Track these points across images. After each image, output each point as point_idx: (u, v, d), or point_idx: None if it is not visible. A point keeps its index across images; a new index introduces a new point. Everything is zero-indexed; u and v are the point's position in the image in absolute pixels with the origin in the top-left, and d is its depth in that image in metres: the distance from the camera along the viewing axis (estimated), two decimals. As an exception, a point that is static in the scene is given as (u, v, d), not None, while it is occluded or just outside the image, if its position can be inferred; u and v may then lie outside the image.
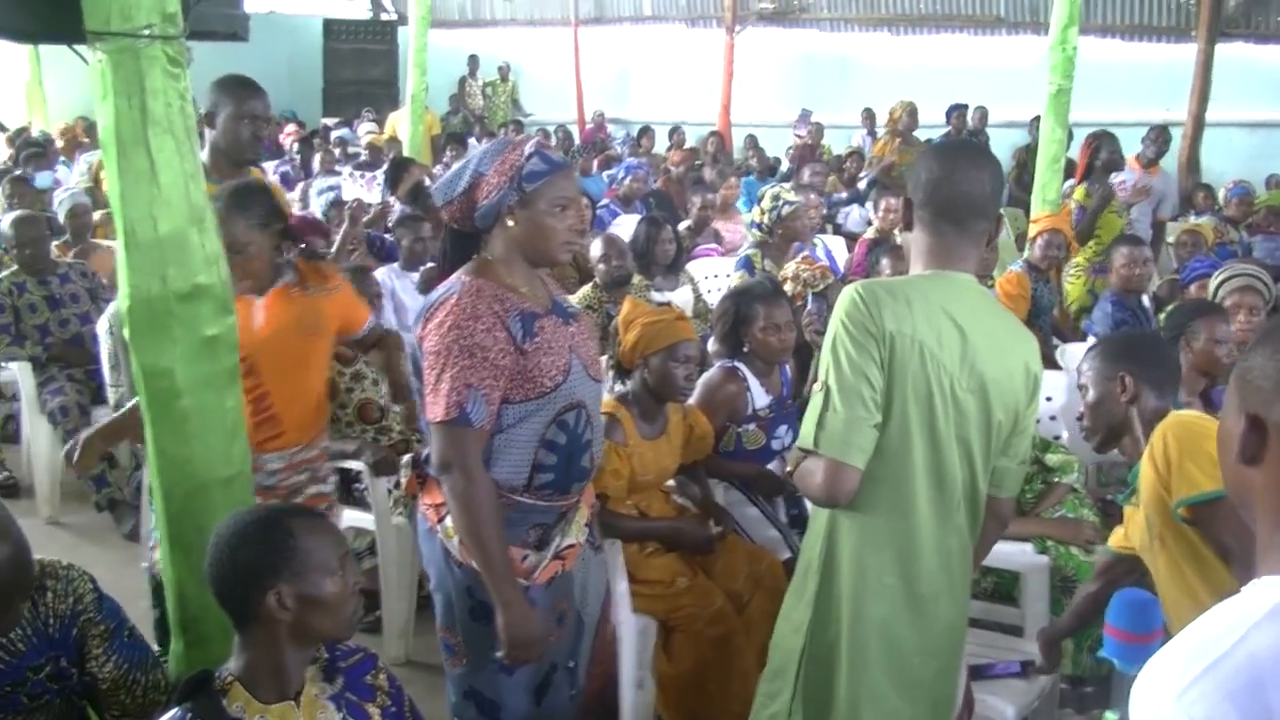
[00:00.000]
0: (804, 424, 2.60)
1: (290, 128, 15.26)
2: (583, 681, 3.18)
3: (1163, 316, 5.61)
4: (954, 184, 2.62)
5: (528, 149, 2.89)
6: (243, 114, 4.26)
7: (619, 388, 4.13)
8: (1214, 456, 2.44)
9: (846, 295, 2.58)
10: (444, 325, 2.79)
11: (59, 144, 13.56)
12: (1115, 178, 8.77)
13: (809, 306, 5.14)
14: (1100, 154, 8.22)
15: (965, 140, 2.79)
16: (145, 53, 2.59)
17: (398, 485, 4.71)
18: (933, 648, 2.69)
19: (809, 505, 2.91)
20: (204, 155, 4.13)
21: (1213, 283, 5.51)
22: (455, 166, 2.98)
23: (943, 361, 2.54)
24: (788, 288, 5.13)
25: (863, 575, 2.63)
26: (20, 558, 2.40)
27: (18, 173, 10.13)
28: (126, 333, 2.66)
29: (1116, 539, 3.31)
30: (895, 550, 2.61)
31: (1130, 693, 1.81)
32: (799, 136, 13.57)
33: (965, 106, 13.06)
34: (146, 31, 2.58)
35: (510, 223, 2.89)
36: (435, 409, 2.78)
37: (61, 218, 7.83)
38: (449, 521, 2.91)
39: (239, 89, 4.29)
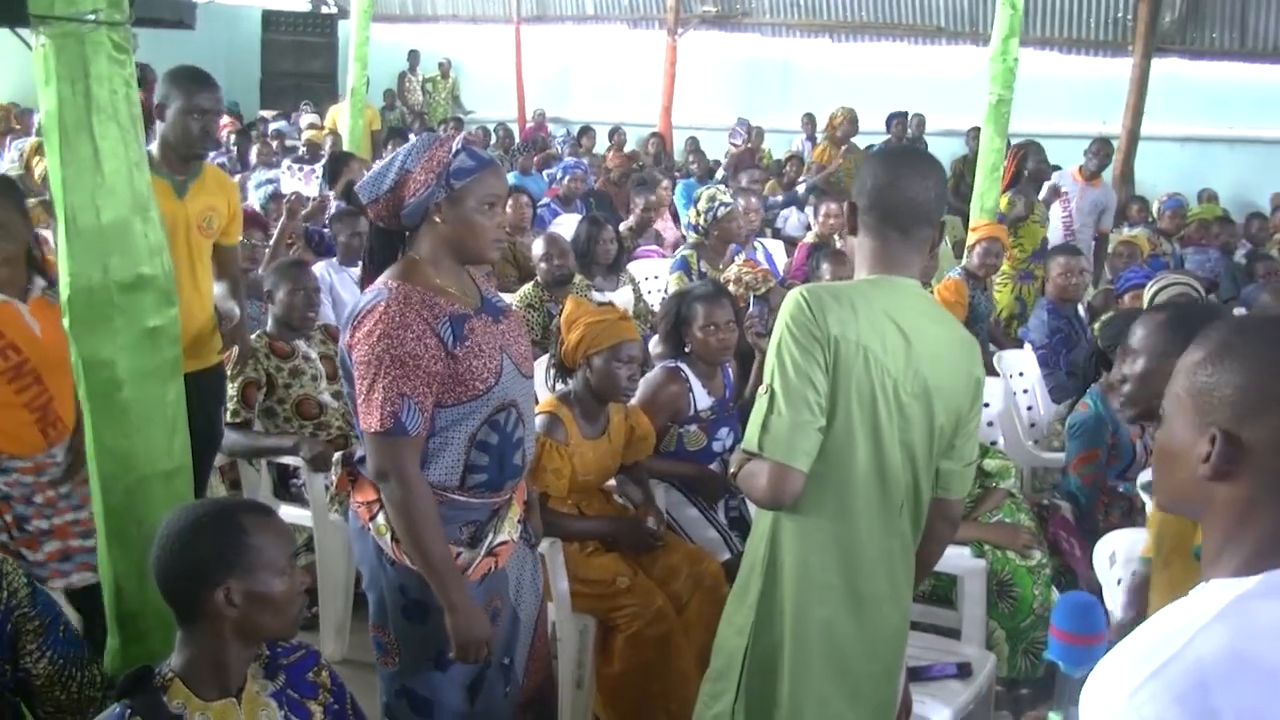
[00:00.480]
0: (748, 427, 2.59)
1: (225, 119, 15.08)
2: (520, 679, 3.17)
3: (1097, 326, 5.70)
4: (900, 190, 2.63)
5: (455, 145, 2.86)
6: (193, 108, 4.20)
7: (560, 387, 4.12)
8: None
9: (791, 299, 2.57)
10: (373, 335, 2.75)
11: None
12: (1056, 182, 8.92)
13: (751, 309, 5.16)
14: (1027, 163, 8.34)
15: (911, 147, 2.78)
16: (90, 38, 2.55)
17: (336, 481, 4.67)
18: (875, 651, 2.70)
19: (752, 508, 2.90)
20: (153, 147, 4.07)
21: (1149, 291, 5.61)
22: (381, 163, 2.93)
23: (887, 366, 2.55)
24: (730, 290, 5.14)
25: (806, 577, 2.63)
26: None
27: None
28: (66, 322, 2.61)
29: (1149, 548, 3.01)
30: (838, 553, 2.62)
31: (1074, 694, 1.84)
32: (734, 145, 13.58)
33: (905, 114, 13.13)
34: (92, 16, 2.55)
35: (438, 220, 2.85)
36: (370, 419, 2.75)
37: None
38: (380, 519, 2.89)
39: (190, 82, 4.23)
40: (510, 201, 7.90)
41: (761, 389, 2.57)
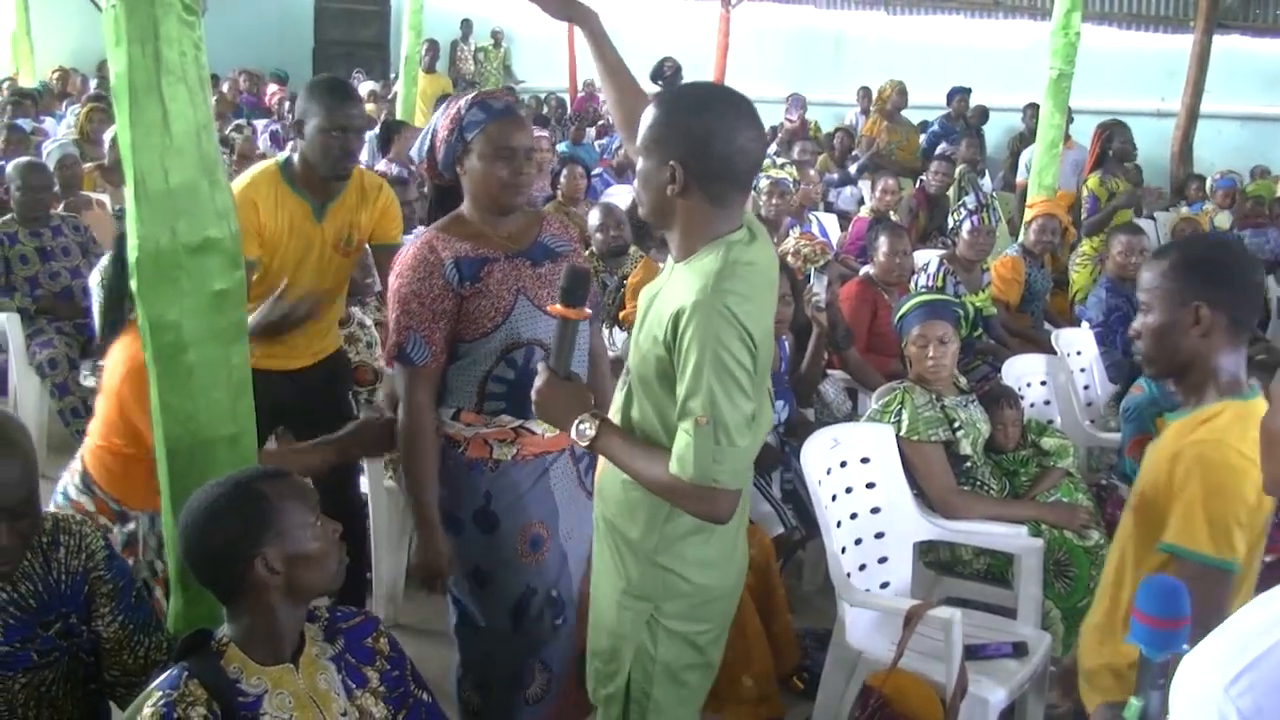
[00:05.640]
0: (692, 458, 2.31)
1: (273, 88, 15.20)
2: (573, 618, 3.22)
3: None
4: (740, 144, 2.37)
5: (466, 100, 3.09)
6: (332, 125, 3.84)
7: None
8: (1237, 520, 2.41)
9: (718, 315, 2.29)
10: (392, 274, 3.11)
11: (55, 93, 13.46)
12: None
13: (811, 283, 5.12)
14: (1112, 143, 8.23)
15: (721, 87, 2.42)
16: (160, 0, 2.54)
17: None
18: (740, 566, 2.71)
19: (616, 486, 2.63)
20: (295, 157, 3.89)
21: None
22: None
23: (769, 328, 2.49)
24: (789, 263, 5.11)
25: (682, 554, 2.54)
26: (30, 475, 2.35)
27: (19, 121, 10.10)
28: (134, 284, 2.62)
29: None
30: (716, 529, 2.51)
31: (1155, 678, 1.81)
32: (790, 121, 13.44)
33: (968, 90, 12.85)
34: (162, -22, 2.53)
35: (460, 172, 3.10)
36: (387, 347, 3.13)
37: (51, 169, 7.71)
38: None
39: (329, 97, 3.89)
40: (564, 172, 7.91)
41: (702, 420, 2.29)
